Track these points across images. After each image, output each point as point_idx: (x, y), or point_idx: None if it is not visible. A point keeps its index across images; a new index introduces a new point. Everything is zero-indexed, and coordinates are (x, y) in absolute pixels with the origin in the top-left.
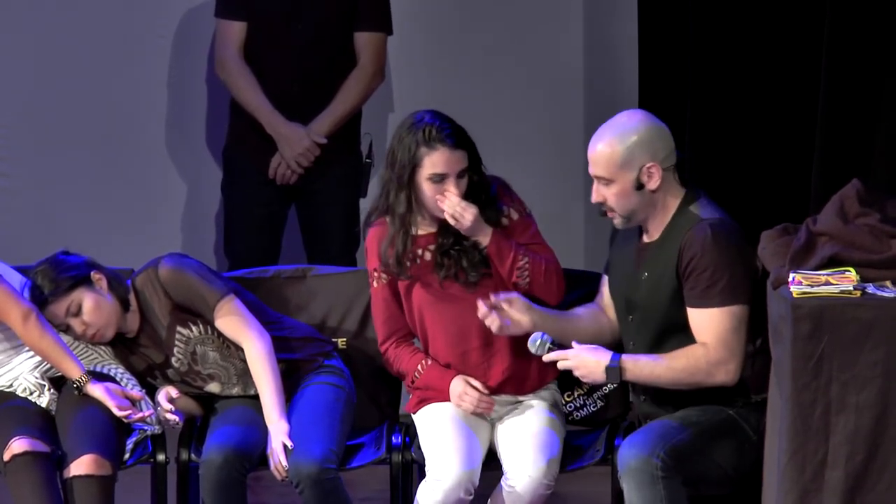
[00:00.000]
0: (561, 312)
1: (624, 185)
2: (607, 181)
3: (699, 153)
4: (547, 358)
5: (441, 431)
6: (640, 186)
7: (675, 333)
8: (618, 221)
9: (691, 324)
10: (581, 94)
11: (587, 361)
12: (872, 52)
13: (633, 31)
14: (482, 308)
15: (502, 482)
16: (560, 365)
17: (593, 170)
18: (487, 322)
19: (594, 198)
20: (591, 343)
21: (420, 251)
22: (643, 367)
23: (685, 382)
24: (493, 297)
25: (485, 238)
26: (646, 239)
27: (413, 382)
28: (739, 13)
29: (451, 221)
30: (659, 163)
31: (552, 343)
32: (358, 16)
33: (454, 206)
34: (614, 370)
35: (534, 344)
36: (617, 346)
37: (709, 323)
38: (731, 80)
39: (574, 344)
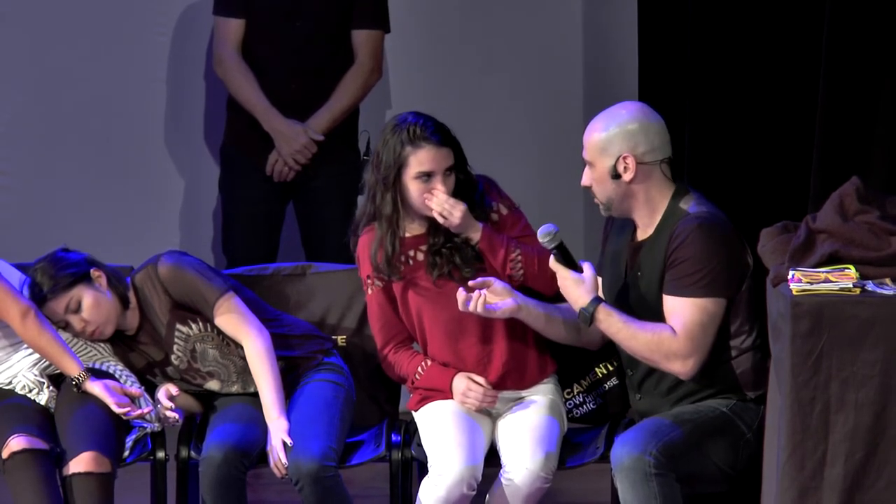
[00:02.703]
0: (548, 306)
1: (601, 171)
2: (590, 164)
3: (699, 150)
4: (551, 263)
5: (443, 428)
6: (616, 175)
7: None
8: (601, 208)
9: (664, 309)
10: (580, 91)
11: (570, 293)
12: (872, 49)
13: (632, 27)
14: (461, 294)
15: (500, 475)
16: (551, 265)
17: (583, 152)
18: (471, 307)
19: (582, 181)
20: (571, 341)
21: (412, 252)
22: (613, 323)
23: (641, 356)
24: (470, 283)
25: (475, 234)
26: (639, 237)
27: (413, 384)
28: (739, 9)
29: (440, 219)
30: (636, 155)
31: (560, 247)
32: (355, 13)
33: (442, 204)
34: (586, 315)
35: (546, 234)
36: (603, 348)
37: (680, 312)
38: (730, 78)
39: (584, 265)
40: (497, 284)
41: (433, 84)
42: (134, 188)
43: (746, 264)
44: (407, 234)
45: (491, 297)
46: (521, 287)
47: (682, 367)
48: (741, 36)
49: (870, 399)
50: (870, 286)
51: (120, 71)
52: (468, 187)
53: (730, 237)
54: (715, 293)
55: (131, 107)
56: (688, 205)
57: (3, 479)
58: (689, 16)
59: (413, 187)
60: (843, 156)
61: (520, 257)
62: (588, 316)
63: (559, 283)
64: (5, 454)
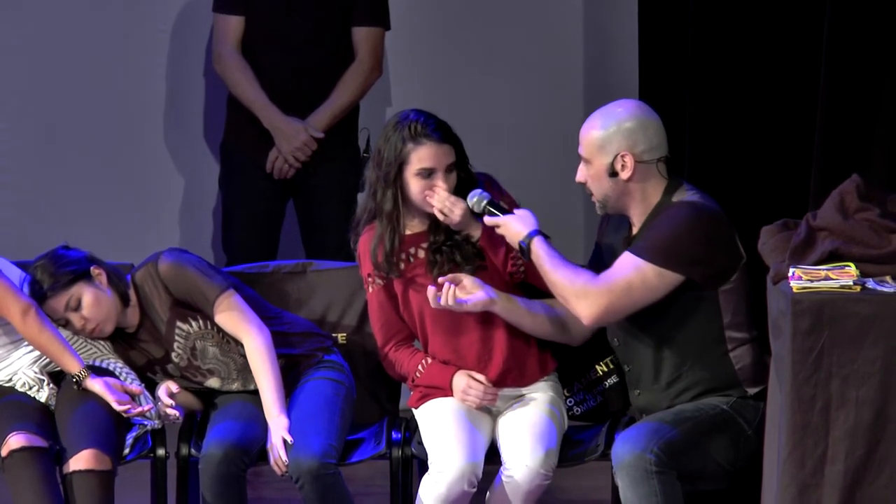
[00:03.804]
0: (529, 302)
1: (598, 169)
2: (587, 162)
3: (699, 148)
4: (487, 221)
5: (444, 425)
6: (613, 173)
7: (664, 319)
8: (597, 206)
9: None
10: (581, 88)
11: (511, 228)
12: (872, 46)
13: (633, 24)
14: (431, 291)
15: (501, 472)
16: (486, 221)
17: (579, 148)
18: (441, 301)
19: (577, 177)
20: (552, 337)
21: (413, 250)
22: (543, 254)
23: (558, 290)
24: (439, 279)
25: (476, 231)
26: (634, 231)
27: (414, 382)
28: (740, 6)
29: (440, 217)
30: (634, 154)
31: (490, 203)
32: (355, 11)
33: (443, 201)
34: (524, 249)
35: (471, 200)
36: (603, 347)
37: (617, 265)
38: (731, 75)
39: (515, 210)
40: (467, 280)
41: (433, 82)
42: (134, 186)
43: (737, 256)
44: (408, 232)
45: (460, 293)
46: (523, 284)
47: (586, 310)
48: (742, 33)
49: (870, 396)
50: (870, 284)
51: (120, 68)
52: (469, 185)
53: (715, 223)
54: (662, 263)
55: (131, 104)
56: (679, 197)
57: (2, 477)
58: (689, 12)
59: (414, 184)
60: (844, 153)
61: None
62: (526, 248)
63: (500, 231)
64: (4, 452)
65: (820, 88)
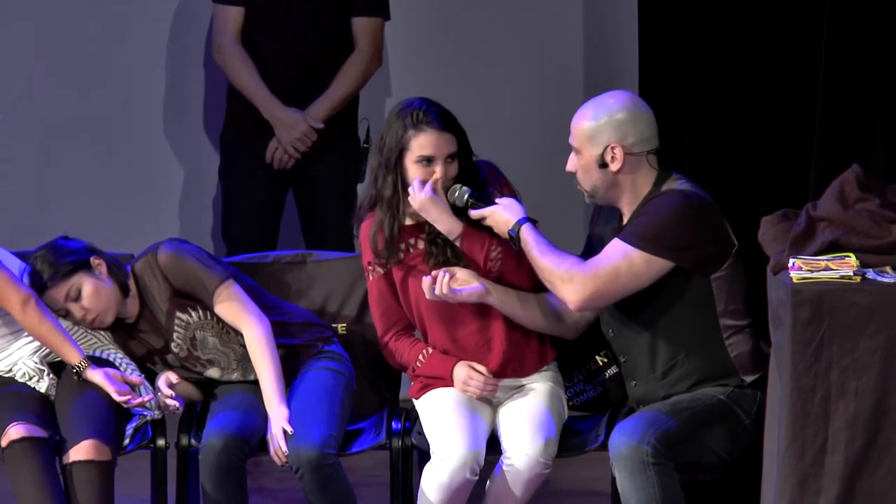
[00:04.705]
0: (525, 296)
1: (588, 160)
2: (577, 152)
3: (699, 140)
4: (473, 214)
5: (445, 414)
6: (603, 164)
7: (656, 308)
8: (585, 196)
9: None
10: (581, 77)
11: (499, 219)
12: (873, 37)
13: (633, 13)
14: (426, 281)
15: (501, 460)
16: (472, 214)
17: (570, 138)
18: (437, 291)
19: (567, 166)
20: (546, 329)
21: (413, 240)
22: (532, 240)
23: (545, 275)
24: (433, 272)
25: (450, 233)
26: (624, 222)
27: (414, 371)
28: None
29: (411, 189)
30: (624, 146)
31: (472, 195)
32: (355, 1)
33: (434, 183)
34: (514, 238)
35: (452, 194)
36: (602, 338)
37: (605, 251)
38: (731, 64)
39: (498, 200)
40: (461, 272)
41: (433, 72)
42: (134, 176)
43: (728, 243)
44: (408, 222)
45: (454, 285)
46: (500, 280)
47: (572, 294)
48: (742, 23)
49: (870, 386)
50: (870, 274)
51: (119, 59)
52: (471, 174)
53: (704, 210)
54: (650, 250)
55: (131, 94)
56: (670, 186)
57: (2, 467)
58: (690, 4)
59: (414, 171)
60: (844, 143)
61: (500, 257)
62: (515, 237)
63: (487, 222)
64: (4, 442)
65: (820, 78)
